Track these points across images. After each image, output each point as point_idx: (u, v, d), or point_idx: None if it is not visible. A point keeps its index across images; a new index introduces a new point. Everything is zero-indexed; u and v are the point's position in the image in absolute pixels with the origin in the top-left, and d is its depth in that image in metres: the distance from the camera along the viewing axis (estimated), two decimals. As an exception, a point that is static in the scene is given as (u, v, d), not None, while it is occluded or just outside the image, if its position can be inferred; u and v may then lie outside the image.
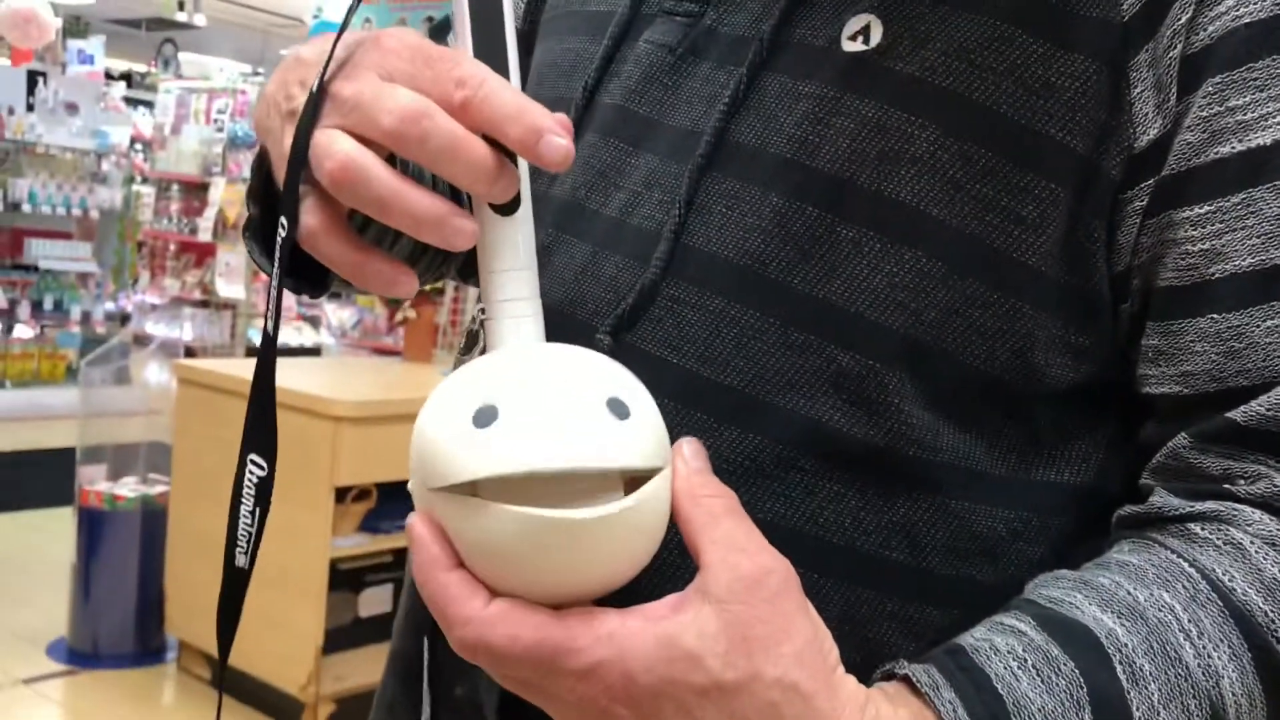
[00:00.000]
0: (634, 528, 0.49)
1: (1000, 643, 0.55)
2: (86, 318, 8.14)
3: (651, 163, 0.66)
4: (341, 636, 3.45)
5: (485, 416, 0.48)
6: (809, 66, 0.62)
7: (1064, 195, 0.58)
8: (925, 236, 0.59)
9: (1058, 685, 0.53)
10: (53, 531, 4.49)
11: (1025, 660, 0.54)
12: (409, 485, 0.52)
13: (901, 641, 0.60)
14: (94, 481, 3.88)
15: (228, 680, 3.54)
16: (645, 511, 0.50)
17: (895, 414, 0.59)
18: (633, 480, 0.50)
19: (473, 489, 0.49)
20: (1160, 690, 0.54)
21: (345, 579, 3.42)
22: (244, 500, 0.57)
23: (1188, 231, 0.58)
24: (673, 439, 0.59)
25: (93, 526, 3.80)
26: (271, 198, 0.69)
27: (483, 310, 0.54)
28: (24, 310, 7.90)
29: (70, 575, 3.86)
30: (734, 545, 0.50)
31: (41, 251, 7.99)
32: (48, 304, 8.04)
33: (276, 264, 0.56)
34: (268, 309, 0.57)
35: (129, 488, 3.88)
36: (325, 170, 0.52)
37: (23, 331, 7.91)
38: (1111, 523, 0.62)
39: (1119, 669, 0.54)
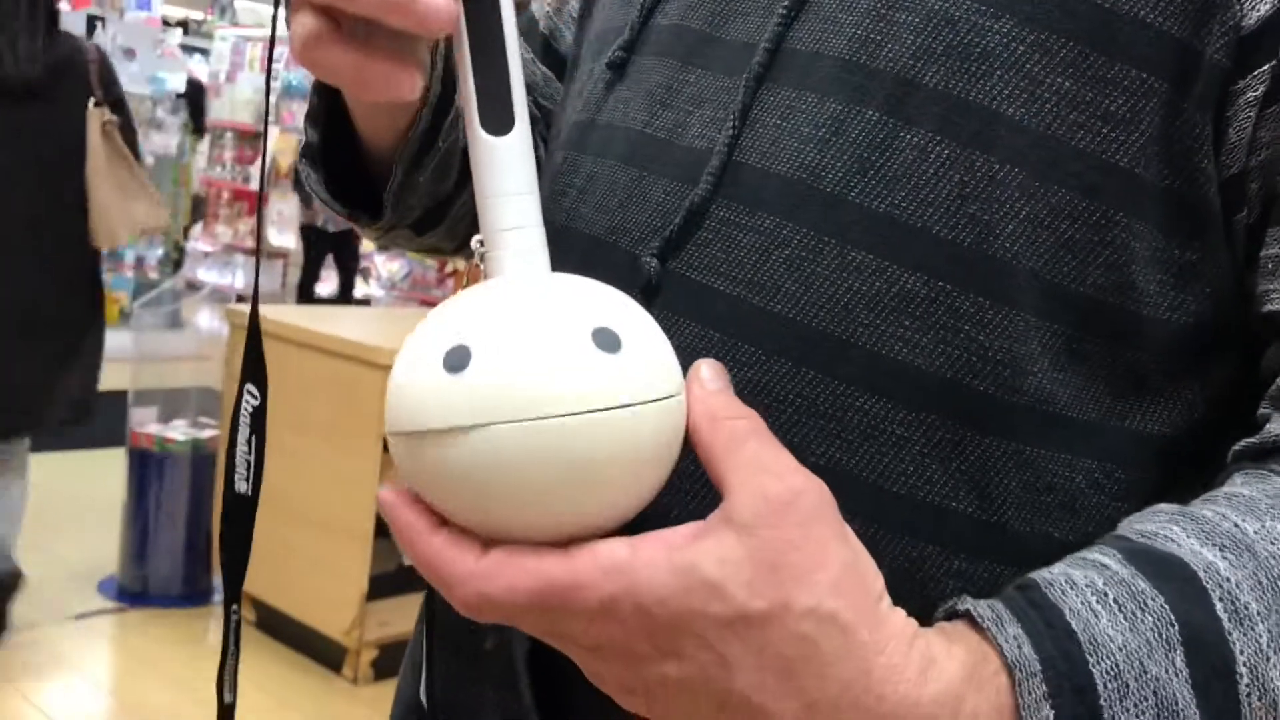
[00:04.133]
0: (636, 442, 0.45)
1: (1079, 576, 0.49)
2: (140, 262, 8.23)
3: (704, 79, 0.62)
4: (386, 583, 3.49)
5: (457, 358, 0.44)
6: None
7: (1159, 85, 0.53)
8: (999, 140, 0.54)
9: (1143, 622, 0.46)
10: (105, 471, 4.56)
11: (1106, 594, 0.47)
12: (385, 430, 0.48)
13: None
14: (145, 424, 3.93)
15: (272, 624, 3.60)
16: (649, 426, 0.45)
17: (969, 345, 0.54)
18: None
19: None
20: (1270, 632, 0.47)
21: (390, 527, 3.45)
22: (240, 429, 0.58)
23: None
24: None
25: (143, 468, 3.85)
26: (333, 121, 0.68)
27: (481, 242, 0.51)
28: (79, 253, 8.00)
29: (121, 515, 3.93)
30: (759, 467, 0.45)
31: (97, 196, 8.07)
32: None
33: (265, 116, 0.54)
34: (259, 227, 0.56)
35: (179, 431, 3.93)
36: None
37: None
38: (1227, 459, 0.57)
39: (1218, 606, 0.47)
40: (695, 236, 0.58)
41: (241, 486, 0.58)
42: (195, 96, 8.16)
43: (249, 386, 0.58)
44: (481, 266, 0.50)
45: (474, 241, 0.51)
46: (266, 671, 3.46)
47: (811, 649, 0.44)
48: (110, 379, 5.23)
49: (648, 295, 0.58)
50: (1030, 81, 0.53)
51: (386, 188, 0.69)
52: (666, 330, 0.51)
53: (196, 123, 8.08)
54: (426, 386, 0.44)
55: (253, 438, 0.58)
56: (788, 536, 0.44)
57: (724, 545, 0.44)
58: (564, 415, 0.43)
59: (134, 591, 3.88)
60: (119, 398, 4.21)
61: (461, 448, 0.43)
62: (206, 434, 3.93)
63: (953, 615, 0.50)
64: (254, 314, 0.59)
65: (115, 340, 6.72)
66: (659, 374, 0.46)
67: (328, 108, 0.67)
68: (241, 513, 0.58)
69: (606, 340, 0.45)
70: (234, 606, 0.60)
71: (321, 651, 3.52)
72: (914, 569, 0.54)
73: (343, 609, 3.37)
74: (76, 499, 4.83)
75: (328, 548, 3.40)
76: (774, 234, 0.56)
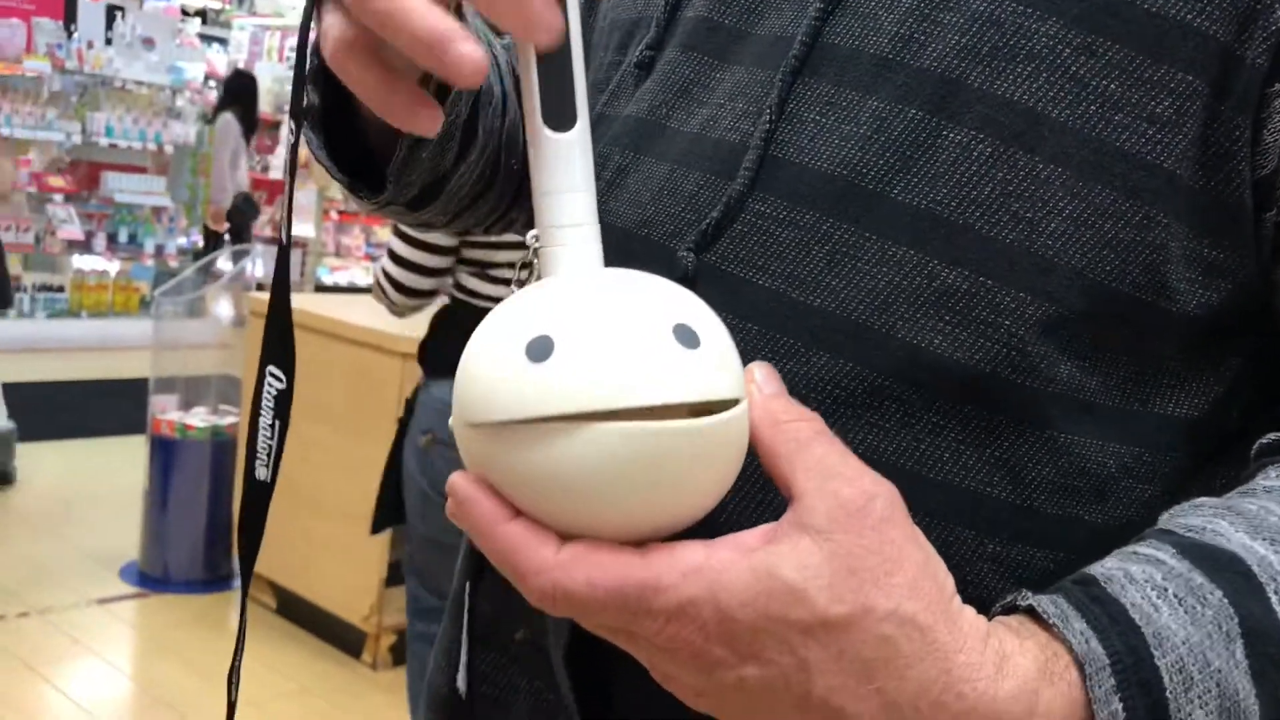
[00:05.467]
0: (716, 449, 0.45)
1: (1136, 571, 0.49)
2: (160, 251, 8.27)
3: (737, 74, 0.62)
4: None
5: (539, 349, 0.44)
6: None
7: (1201, 88, 0.53)
8: (1043, 140, 0.54)
9: (1203, 616, 0.47)
10: (126, 459, 4.60)
11: (1165, 589, 0.48)
12: (449, 422, 0.48)
13: (1002, 585, 0.56)
14: (166, 411, 3.95)
15: (292, 610, 3.63)
16: (728, 434, 0.45)
17: (1007, 339, 0.54)
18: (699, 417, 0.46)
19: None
20: None
21: (408, 514, 3.47)
22: (263, 413, 0.57)
23: None
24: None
25: (164, 455, 3.88)
26: (333, 85, 0.67)
27: (536, 238, 0.50)
28: (100, 242, 8.05)
29: (142, 501, 3.96)
30: (829, 471, 0.46)
31: (117, 185, 8.10)
32: (122, 237, 8.17)
33: (295, 130, 0.55)
34: (287, 193, 0.56)
35: (200, 418, 3.95)
36: None
37: (98, 263, 8.05)
38: (1250, 454, 0.57)
39: (1274, 599, 0.48)
40: (730, 230, 0.59)
41: (261, 473, 0.57)
42: (246, 88, 7.80)
43: (272, 369, 0.57)
44: (535, 262, 0.50)
45: (529, 236, 0.51)
46: (287, 657, 3.49)
47: (891, 651, 0.45)
48: (131, 367, 5.25)
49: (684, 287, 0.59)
50: (1075, 83, 0.54)
51: (391, 160, 0.69)
52: None
53: (249, 120, 7.70)
54: (507, 376, 0.44)
55: (276, 423, 0.57)
56: (863, 541, 0.45)
57: (801, 550, 0.44)
58: (646, 406, 0.43)
59: (154, 577, 3.91)
60: (140, 385, 4.24)
61: (543, 440, 0.43)
62: (227, 421, 3.96)
63: (1011, 609, 0.50)
64: (282, 294, 0.58)
65: (136, 329, 6.75)
66: (732, 373, 0.46)
67: (329, 71, 0.68)
68: (260, 500, 0.58)
69: (686, 336, 0.45)
70: (246, 600, 0.60)
71: (341, 637, 3.55)
72: (949, 553, 0.54)
73: (362, 595, 3.40)
74: (98, 485, 4.87)
75: (346, 534, 3.42)
76: (814, 229, 0.57)
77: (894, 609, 0.45)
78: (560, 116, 0.50)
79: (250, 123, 7.63)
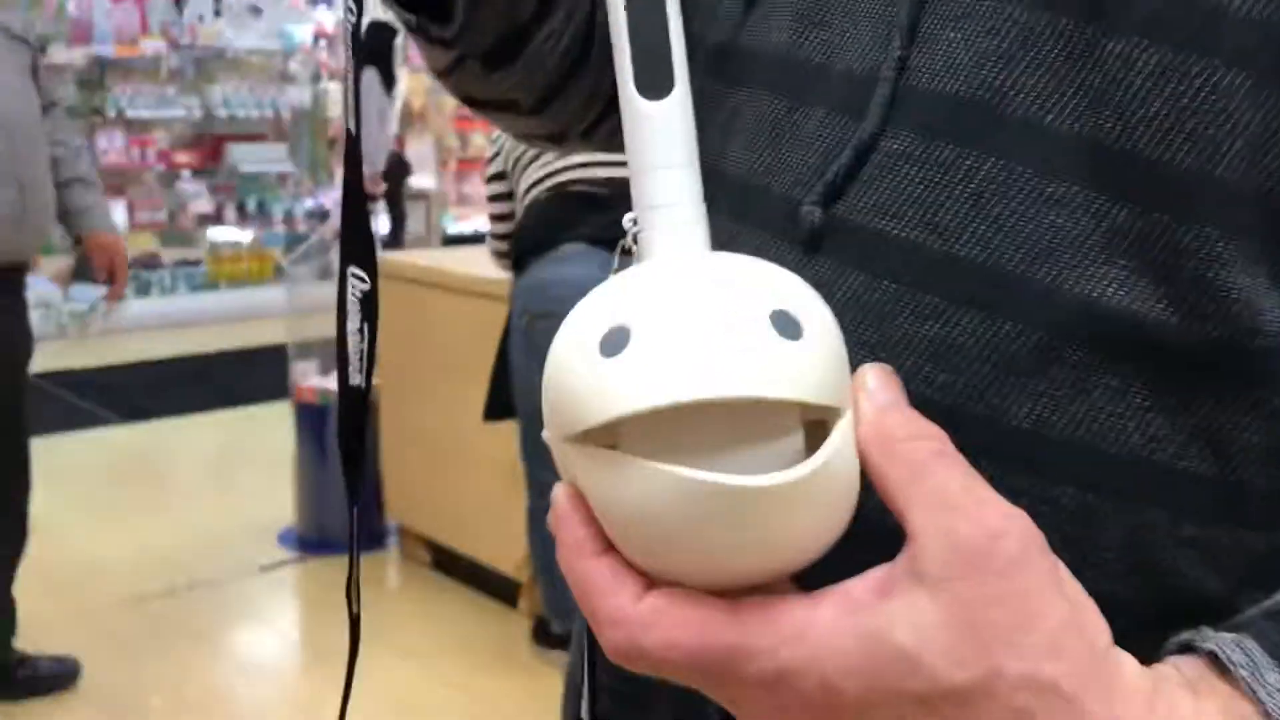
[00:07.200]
0: (822, 493, 0.39)
1: None
2: (288, 216, 8.43)
3: None
4: (552, 516, 3.52)
5: (615, 341, 0.38)
6: None
7: None
8: (1221, 39, 0.45)
9: None
10: (274, 425, 4.69)
11: None
12: (544, 435, 0.42)
13: (1203, 574, 0.47)
14: (307, 376, 4.02)
15: (447, 563, 3.67)
16: (835, 470, 0.39)
17: (1196, 283, 0.46)
18: (807, 423, 0.40)
19: (613, 439, 0.39)
20: None
21: (554, 462, 3.47)
22: (350, 318, 0.53)
23: None
24: (891, 329, 0.49)
25: (309, 420, 3.95)
26: None
27: (634, 220, 0.45)
28: (230, 214, 8.22)
29: (292, 467, 4.04)
30: (947, 503, 0.39)
31: (240, 155, 8.27)
32: (251, 206, 8.35)
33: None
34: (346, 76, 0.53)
35: (339, 381, 4.00)
36: None
37: (230, 234, 8.24)
38: None
39: None
40: (859, 174, 0.51)
41: (355, 379, 0.54)
42: (382, 38, 7.73)
43: (354, 270, 0.53)
44: (634, 248, 0.45)
45: (626, 220, 0.45)
46: (446, 611, 3.54)
47: None
48: (271, 333, 5.35)
49: (810, 246, 0.51)
50: None
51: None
52: (830, 284, 0.45)
53: (387, 75, 7.64)
54: (582, 376, 0.39)
55: (365, 325, 0.54)
56: (988, 590, 0.37)
57: (915, 606, 0.38)
58: (734, 399, 0.37)
59: (312, 541, 3.99)
60: (280, 351, 4.31)
61: (621, 471, 0.38)
62: (366, 381, 4.00)
63: (1186, 648, 0.42)
64: (356, 190, 0.54)
65: (272, 295, 6.89)
66: (839, 373, 0.39)
67: None
68: (357, 407, 0.55)
69: (786, 325, 0.38)
70: (355, 509, 0.57)
71: (495, 586, 3.59)
72: (1138, 539, 0.47)
73: (513, 544, 3.41)
74: (249, 454, 5.00)
75: (493, 486, 3.43)
76: (954, 166, 0.48)
77: (1029, 673, 0.37)
78: (655, 82, 0.44)
79: (389, 77, 7.56)
